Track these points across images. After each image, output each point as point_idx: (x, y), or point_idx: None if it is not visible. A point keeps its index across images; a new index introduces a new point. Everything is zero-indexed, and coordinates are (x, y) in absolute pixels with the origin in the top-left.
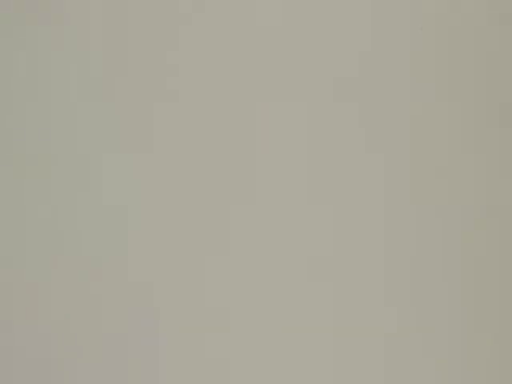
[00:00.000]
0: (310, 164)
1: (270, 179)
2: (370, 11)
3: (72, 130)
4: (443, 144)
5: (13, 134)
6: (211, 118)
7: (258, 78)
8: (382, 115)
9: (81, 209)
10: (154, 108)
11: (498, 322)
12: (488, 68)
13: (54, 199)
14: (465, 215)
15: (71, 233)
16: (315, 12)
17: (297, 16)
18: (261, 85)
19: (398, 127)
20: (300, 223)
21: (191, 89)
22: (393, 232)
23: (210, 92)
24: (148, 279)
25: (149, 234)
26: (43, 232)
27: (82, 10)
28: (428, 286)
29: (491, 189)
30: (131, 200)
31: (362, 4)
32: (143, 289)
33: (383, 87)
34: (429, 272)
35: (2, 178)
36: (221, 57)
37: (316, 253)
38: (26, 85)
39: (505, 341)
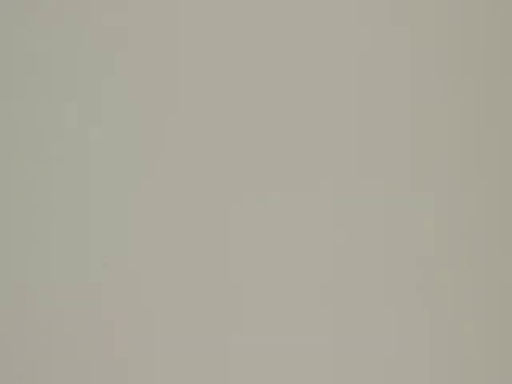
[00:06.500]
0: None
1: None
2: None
3: (70, 129)
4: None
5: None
6: (213, 123)
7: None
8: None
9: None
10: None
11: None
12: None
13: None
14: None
15: (70, 233)
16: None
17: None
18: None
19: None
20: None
21: (190, 88)
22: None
23: (210, 93)
24: (149, 281)
25: (148, 238)
26: (42, 228)
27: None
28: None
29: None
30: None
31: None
32: (142, 289)
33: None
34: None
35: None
36: (218, 53)
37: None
38: (26, 85)
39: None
